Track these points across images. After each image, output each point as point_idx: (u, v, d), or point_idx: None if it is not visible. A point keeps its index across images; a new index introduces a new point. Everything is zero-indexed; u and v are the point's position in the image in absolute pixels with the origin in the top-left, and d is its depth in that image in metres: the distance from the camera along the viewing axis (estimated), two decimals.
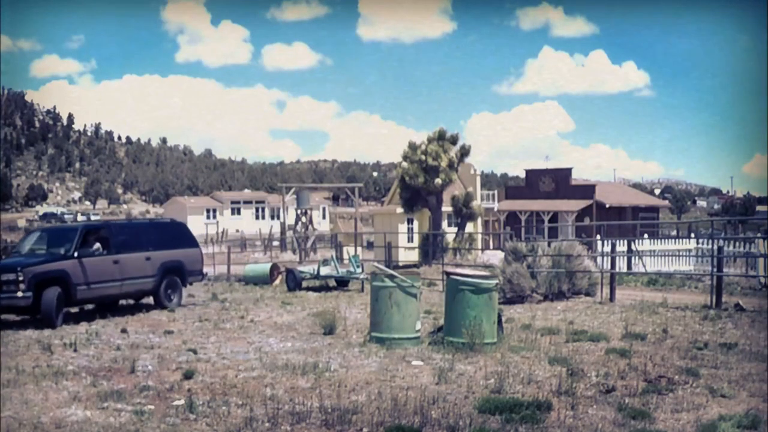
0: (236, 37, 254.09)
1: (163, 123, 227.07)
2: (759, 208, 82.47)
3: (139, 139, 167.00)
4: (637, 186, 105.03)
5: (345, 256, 25.24)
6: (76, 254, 13.60)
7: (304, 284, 20.05)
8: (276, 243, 45.10)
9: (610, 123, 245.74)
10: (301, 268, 21.86)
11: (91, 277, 13.77)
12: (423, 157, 31.04)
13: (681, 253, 24.56)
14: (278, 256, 37.20)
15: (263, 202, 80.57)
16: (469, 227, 35.22)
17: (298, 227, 39.79)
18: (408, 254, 32.89)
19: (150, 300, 15.62)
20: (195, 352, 10.03)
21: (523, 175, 56.35)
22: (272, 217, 73.98)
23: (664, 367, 8.56)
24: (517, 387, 7.62)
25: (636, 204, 49.17)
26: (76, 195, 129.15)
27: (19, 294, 12.51)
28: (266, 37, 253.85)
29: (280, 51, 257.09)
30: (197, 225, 73.03)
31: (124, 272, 14.56)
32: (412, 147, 31.98)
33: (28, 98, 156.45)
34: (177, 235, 16.60)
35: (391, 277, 10.38)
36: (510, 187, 58.49)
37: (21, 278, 12.58)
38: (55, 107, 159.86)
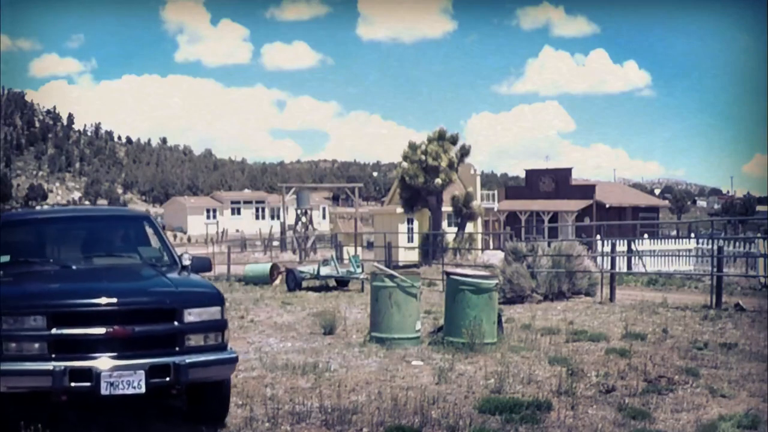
0: (236, 37, 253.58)
1: (163, 123, 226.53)
2: (759, 208, 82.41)
3: (139, 139, 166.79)
4: (637, 186, 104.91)
5: (345, 256, 25.24)
6: None
7: (304, 284, 20.04)
8: (276, 243, 45.12)
9: (610, 123, 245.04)
10: (301, 268, 21.85)
11: None
12: (423, 157, 31.08)
13: (681, 253, 24.53)
14: (278, 256, 37.21)
15: (263, 202, 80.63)
16: (469, 227, 35.24)
17: (298, 227, 39.83)
18: (408, 254, 32.89)
19: None
20: None
21: (523, 175, 56.41)
22: (272, 217, 74.02)
23: (664, 367, 8.55)
24: (517, 387, 7.61)
25: (636, 204, 49.23)
26: (76, 195, 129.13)
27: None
28: (266, 37, 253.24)
29: (280, 50, 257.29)
30: (197, 225, 73.22)
31: None
32: (412, 147, 32.02)
33: (28, 98, 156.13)
34: None
35: (391, 277, 10.37)
36: (510, 187, 58.55)
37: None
38: (55, 107, 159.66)
